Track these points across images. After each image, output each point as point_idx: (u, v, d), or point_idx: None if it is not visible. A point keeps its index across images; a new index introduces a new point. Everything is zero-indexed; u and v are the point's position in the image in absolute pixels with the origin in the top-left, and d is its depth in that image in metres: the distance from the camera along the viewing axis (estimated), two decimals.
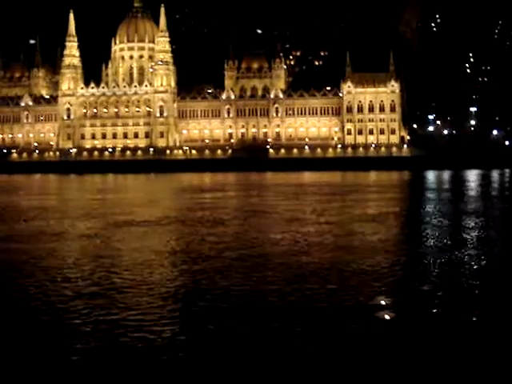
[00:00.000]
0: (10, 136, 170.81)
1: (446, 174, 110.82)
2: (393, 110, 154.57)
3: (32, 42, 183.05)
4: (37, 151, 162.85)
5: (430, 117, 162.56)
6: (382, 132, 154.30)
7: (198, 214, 42.67)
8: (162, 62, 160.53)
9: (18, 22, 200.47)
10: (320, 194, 63.81)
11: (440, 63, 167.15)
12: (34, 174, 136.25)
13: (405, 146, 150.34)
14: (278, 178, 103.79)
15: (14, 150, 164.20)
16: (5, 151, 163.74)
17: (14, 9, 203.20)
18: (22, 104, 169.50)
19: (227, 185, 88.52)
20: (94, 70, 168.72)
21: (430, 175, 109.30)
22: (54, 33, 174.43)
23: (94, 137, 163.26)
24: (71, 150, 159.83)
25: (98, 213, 44.81)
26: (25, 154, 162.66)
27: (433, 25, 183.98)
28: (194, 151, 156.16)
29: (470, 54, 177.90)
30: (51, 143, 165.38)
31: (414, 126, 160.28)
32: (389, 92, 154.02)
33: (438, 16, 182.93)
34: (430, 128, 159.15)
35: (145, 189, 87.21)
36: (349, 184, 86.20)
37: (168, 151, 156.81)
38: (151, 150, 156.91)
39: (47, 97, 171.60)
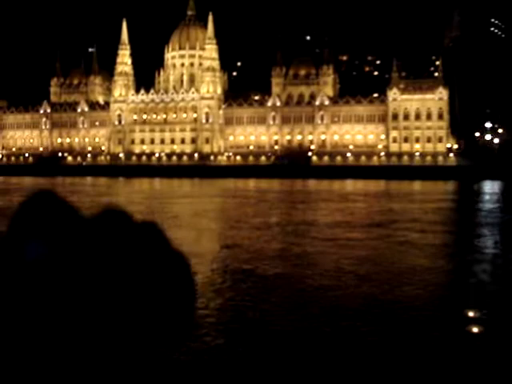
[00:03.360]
0: (68, 140, 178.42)
1: (496, 185, 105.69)
2: (440, 117, 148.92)
3: (91, 50, 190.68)
4: (89, 155, 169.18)
5: (488, 125, 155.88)
6: (428, 140, 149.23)
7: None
8: (208, 68, 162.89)
9: (78, 31, 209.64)
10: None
11: (494, 69, 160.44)
12: (86, 176, 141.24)
13: (451, 154, 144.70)
14: (320, 185, 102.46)
15: (66, 154, 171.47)
16: (60, 155, 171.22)
17: (75, 17, 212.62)
18: (79, 110, 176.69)
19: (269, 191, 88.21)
20: (147, 77, 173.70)
21: (481, 186, 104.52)
22: (113, 41, 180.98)
23: (142, 142, 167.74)
24: (120, 155, 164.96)
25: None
26: (79, 158, 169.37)
27: (492, 29, 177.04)
28: (238, 157, 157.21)
29: None
30: (103, 148, 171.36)
31: (477, 134, 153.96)
32: (436, 99, 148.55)
33: (493, 20, 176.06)
34: (487, 136, 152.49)
35: (191, 191, 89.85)
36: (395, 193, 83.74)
37: (212, 157, 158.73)
38: (196, 155, 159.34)
39: (102, 103, 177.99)
